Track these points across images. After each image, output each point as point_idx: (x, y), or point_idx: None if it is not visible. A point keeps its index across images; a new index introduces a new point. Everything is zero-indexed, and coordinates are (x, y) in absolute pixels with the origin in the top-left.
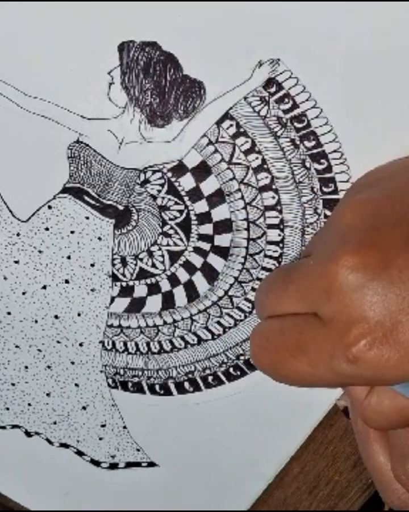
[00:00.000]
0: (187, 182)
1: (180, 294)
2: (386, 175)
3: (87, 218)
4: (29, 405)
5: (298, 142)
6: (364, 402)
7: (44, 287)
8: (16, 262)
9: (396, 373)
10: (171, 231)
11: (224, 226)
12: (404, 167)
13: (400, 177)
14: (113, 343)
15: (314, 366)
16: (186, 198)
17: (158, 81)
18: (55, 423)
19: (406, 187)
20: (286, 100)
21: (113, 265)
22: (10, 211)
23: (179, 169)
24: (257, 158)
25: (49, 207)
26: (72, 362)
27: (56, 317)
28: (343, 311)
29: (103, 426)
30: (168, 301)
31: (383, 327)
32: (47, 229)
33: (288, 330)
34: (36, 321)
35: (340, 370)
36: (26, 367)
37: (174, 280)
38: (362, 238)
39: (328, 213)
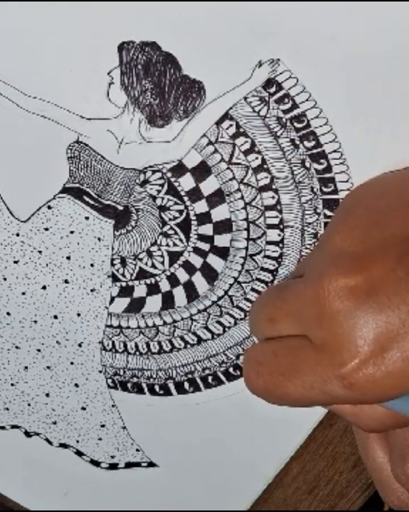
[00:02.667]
0: (186, 182)
1: (180, 295)
2: (374, 193)
3: (87, 218)
4: (29, 405)
5: (298, 142)
6: (356, 410)
7: (44, 287)
8: (16, 262)
9: (388, 395)
10: (170, 232)
11: (224, 226)
12: (391, 185)
13: (387, 197)
14: (113, 343)
15: (309, 390)
16: (185, 199)
17: (158, 81)
18: (54, 423)
19: (393, 208)
20: (286, 100)
21: (113, 265)
22: (10, 211)
23: (179, 169)
24: (256, 158)
25: (49, 207)
26: (72, 363)
27: (55, 317)
28: (334, 337)
29: (103, 426)
30: (168, 301)
31: (373, 352)
32: (47, 229)
33: (282, 354)
34: (36, 321)
35: (334, 394)
36: (25, 367)
37: (173, 280)
38: (351, 265)
39: (328, 213)
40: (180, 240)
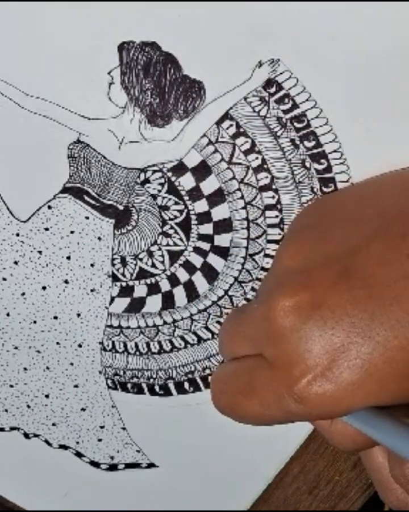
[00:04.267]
0: (187, 182)
1: (180, 294)
2: (320, 211)
3: (87, 218)
4: (28, 406)
5: (298, 142)
6: (331, 428)
7: (44, 288)
8: (16, 263)
9: (339, 408)
10: (171, 231)
11: (224, 225)
12: (335, 202)
13: (331, 214)
14: (113, 344)
15: (265, 407)
16: (186, 198)
17: (158, 81)
18: (54, 424)
19: (336, 224)
20: (286, 100)
21: (113, 265)
22: (10, 211)
23: (179, 169)
24: (256, 158)
25: (49, 207)
26: (72, 364)
27: (55, 317)
28: (284, 353)
29: (102, 427)
30: (168, 301)
31: (321, 365)
32: (47, 229)
33: (241, 373)
34: (35, 322)
35: (289, 410)
36: (25, 368)
37: (173, 280)
38: (296, 281)
39: None
40: (181, 239)
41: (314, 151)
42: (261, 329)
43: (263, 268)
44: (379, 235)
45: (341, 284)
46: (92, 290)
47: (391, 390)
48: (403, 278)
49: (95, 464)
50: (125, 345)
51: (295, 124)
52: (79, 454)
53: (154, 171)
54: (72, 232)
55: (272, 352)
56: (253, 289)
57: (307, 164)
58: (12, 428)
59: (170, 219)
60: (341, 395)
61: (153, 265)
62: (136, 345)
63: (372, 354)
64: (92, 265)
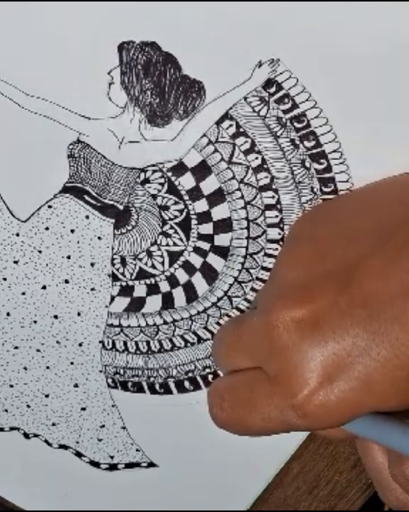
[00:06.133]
0: (187, 181)
1: (179, 295)
2: (318, 222)
3: (87, 217)
4: (28, 406)
5: (298, 142)
6: None
7: (44, 287)
8: (16, 262)
9: (340, 421)
10: (171, 231)
11: (224, 225)
12: (332, 212)
13: (329, 226)
14: (113, 343)
15: (268, 421)
16: (185, 198)
17: (158, 81)
18: (54, 424)
19: (334, 237)
20: (286, 100)
21: (113, 265)
22: (10, 211)
23: (179, 168)
24: (256, 158)
25: (49, 207)
26: (72, 363)
27: (55, 317)
28: (285, 369)
29: (102, 426)
30: (167, 302)
31: (322, 383)
32: (47, 229)
33: (240, 387)
34: (35, 321)
35: (291, 423)
36: (25, 368)
37: (173, 280)
38: (296, 297)
39: None
40: (180, 239)
41: (314, 151)
42: (261, 343)
43: (263, 267)
44: (376, 251)
45: (341, 303)
46: (92, 290)
47: (391, 406)
48: (402, 295)
49: (95, 464)
50: (125, 344)
51: (295, 123)
52: (79, 454)
53: (154, 171)
54: (72, 232)
55: (273, 367)
56: (253, 289)
57: (307, 164)
58: (12, 428)
59: (170, 219)
60: (342, 411)
61: (153, 266)
62: (136, 344)
63: (373, 373)
64: (92, 264)
